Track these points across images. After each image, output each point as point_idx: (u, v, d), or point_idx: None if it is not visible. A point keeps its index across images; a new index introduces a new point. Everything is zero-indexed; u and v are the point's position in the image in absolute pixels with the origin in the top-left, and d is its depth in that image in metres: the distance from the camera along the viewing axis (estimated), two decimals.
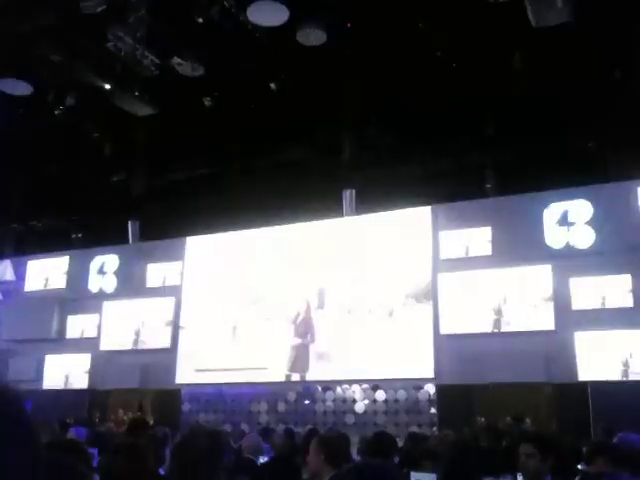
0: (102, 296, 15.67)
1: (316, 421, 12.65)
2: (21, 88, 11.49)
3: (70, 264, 16.58)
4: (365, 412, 12.75)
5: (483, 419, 11.22)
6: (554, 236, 11.74)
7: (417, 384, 12.43)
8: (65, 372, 15.60)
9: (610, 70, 10.96)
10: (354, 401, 12.92)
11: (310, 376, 13.16)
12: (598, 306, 11.20)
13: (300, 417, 13.00)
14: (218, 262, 14.79)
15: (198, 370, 14.21)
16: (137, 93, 11.82)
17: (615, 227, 11.29)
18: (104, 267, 15.94)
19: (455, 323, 12.12)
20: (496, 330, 11.79)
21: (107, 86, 11.67)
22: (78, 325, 15.92)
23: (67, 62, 11.01)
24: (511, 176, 12.30)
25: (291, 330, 13.60)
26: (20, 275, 17.20)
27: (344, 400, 13.03)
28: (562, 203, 11.84)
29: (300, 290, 13.67)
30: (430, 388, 12.33)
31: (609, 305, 11.12)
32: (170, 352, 14.59)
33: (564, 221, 11.71)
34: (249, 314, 14.08)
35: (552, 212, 11.86)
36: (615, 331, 10.92)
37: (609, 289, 11.18)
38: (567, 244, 11.63)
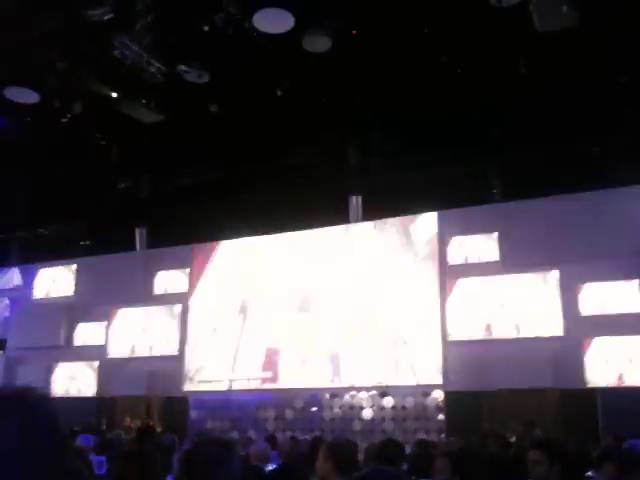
0: (110, 303, 15.67)
1: (323, 428, 12.63)
2: (28, 96, 11.54)
3: (78, 271, 16.63)
4: (373, 419, 12.71)
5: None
6: (560, 241, 11.70)
7: (425, 390, 12.40)
8: (73, 380, 15.62)
9: (615, 74, 10.94)
10: (361, 408, 12.88)
11: (317, 383, 13.13)
12: (607, 312, 11.16)
13: (307, 424, 12.97)
14: (225, 269, 14.81)
15: (201, 381, 14.23)
16: (143, 100, 11.86)
17: (623, 232, 11.26)
18: (110, 274, 15.96)
19: (463, 329, 12.10)
20: (504, 336, 11.75)
21: (113, 93, 11.71)
22: (86, 332, 15.94)
23: (74, 70, 11.06)
24: (517, 181, 12.28)
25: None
26: (28, 283, 17.24)
27: (351, 407, 12.99)
28: (569, 208, 11.81)
29: (306, 296, 13.66)
30: (438, 394, 12.29)
31: (618, 310, 11.08)
32: (177, 359, 14.59)
33: (571, 226, 11.66)
34: (255, 321, 14.08)
35: (560, 217, 11.82)
36: (624, 337, 10.89)
37: (618, 294, 11.15)
38: (573, 249, 11.58)
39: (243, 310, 14.27)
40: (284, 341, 13.57)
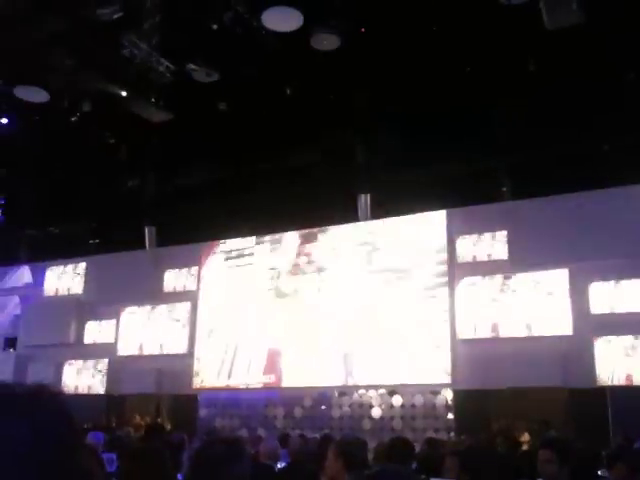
0: (119, 301, 15.73)
1: (332, 426, 12.62)
2: (38, 95, 11.58)
3: (87, 270, 16.69)
4: (382, 417, 12.71)
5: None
6: (570, 239, 11.66)
7: (434, 389, 12.38)
8: (83, 377, 15.69)
9: (624, 72, 10.89)
10: (371, 406, 12.88)
11: (327, 381, 13.13)
12: (616, 311, 11.11)
13: (317, 422, 12.97)
14: (233, 267, 14.83)
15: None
16: (152, 99, 11.88)
17: (633, 231, 11.21)
18: (120, 272, 16.01)
19: (472, 328, 12.08)
20: (513, 335, 11.72)
21: (122, 92, 11.74)
22: (95, 330, 16.01)
23: (83, 69, 11.09)
24: (527, 180, 12.23)
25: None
26: (39, 281, 17.31)
27: (361, 405, 12.99)
28: (578, 206, 11.76)
29: (315, 295, 13.67)
30: (447, 393, 12.27)
31: (627, 309, 11.03)
32: (186, 357, 14.63)
33: (580, 225, 11.61)
34: (263, 319, 14.09)
35: (570, 216, 11.78)
36: (634, 336, 10.85)
37: (627, 293, 11.10)
38: (585, 248, 11.53)
39: (251, 308, 14.29)
40: (293, 340, 13.59)
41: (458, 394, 12.15)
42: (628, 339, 10.89)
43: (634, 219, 11.25)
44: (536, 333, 11.54)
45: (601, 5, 9.05)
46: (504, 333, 11.81)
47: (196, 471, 2.30)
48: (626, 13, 9.45)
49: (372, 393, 12.92)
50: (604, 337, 11.01)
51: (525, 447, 9.55)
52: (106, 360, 15.51)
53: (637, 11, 9.37)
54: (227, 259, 15.01)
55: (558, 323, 11.41)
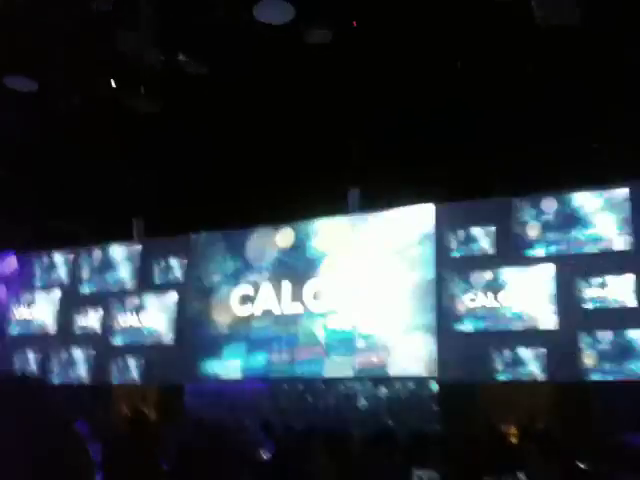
0: (107, 292, 15.72)
1: (318, 418, 12.67)
2: (27, 85, 11.51)
3: (75, 260, 16.64)
4: (368, 409, 12.77)
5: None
6: (557, 235, 11.77)
7: (420, 382, 12.45)
8: (69, 367, 15.66)
9: (619, 70, 10.92)
10: (356, 398, 12.93)
11: (313, 373, 13.19)
12: (603, 305, 11.21)
13: (302, 413, 13.01)
14: (222, 259, 14.84)
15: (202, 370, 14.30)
16: (142, 91, 11.83)
17: (619, 226, 11.30)
18: (109, 263, 16.00)
19: (458, 321, 12.15)
20: (500, 328, 11.81)
21: (112, 83, 11.69)
22: (83, 320, 15.97)
23: (73, 59, 11.03)
24: (515, 176, 12.29)
25: None
26: (26, 270, 17.25)
27: (347, 397, 13.04)
28: (567, 203, 11.87)
29: (302, 288, 13.70)
30: (433, 386, 12.35)
31: (614, 305, 11.13)
32: (174, 348, 14.63)
33: (568, 221, 11.72)
34: (251, 312, 14.13)
35: (557, 212, 11.89)
36: (620, 330, 10.94)
37: (614, 289, 11.19)
38: (572, 243, 11.63)
39: (241, 301, 14.32)
40: (281, 332, 13.65)
41: (444, 387, 12.23)
42: (614, 334, 10.98)
43: (621, 216, 11.35)
44: (523, 327, 11.63)
45: (597, 2, 9.05)
46: (491, 327, 11.89)
47: (182, 462, 2.32)
48: (623, 10, 9.44)
49: (358, 385, 12.98)
50: (591, 332, 11.11)
51: (513, 440, 9.65)
52: (93, 350, 15.49)
53: (634, 8, 9.36)
54: (216, 251, 15.01)
55: (545, 317, 11.51)
